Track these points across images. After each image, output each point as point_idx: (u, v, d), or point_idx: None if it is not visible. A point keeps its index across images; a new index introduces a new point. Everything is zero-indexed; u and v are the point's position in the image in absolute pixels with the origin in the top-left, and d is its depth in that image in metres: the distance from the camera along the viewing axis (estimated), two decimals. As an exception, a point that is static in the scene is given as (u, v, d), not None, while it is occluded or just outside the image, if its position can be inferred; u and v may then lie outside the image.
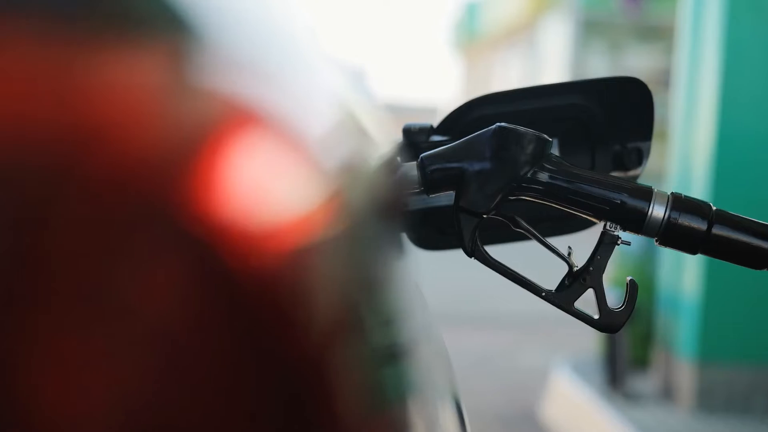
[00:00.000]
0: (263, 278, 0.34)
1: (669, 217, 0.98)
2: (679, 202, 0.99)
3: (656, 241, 1.00)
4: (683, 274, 4.04)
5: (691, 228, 0.99)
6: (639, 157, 1.14)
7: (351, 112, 0.70)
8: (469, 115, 1.16)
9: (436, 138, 1.14)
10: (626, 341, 4.16)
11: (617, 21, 16.98)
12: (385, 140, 0.89)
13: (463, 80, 29.85)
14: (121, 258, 0.32)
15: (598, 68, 17.38)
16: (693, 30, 4.23)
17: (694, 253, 1.00)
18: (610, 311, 1.01)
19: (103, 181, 0.32)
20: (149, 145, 0.33)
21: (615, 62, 17.41)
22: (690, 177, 4.10)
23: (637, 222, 0.99)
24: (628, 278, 1.02)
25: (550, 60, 19.30)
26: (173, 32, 0.38)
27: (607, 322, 1.01)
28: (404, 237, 0.94)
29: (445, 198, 1.17)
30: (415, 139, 1.13)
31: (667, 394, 4.11)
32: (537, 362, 5.47)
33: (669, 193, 0.99)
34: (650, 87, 1.11)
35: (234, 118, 0.36)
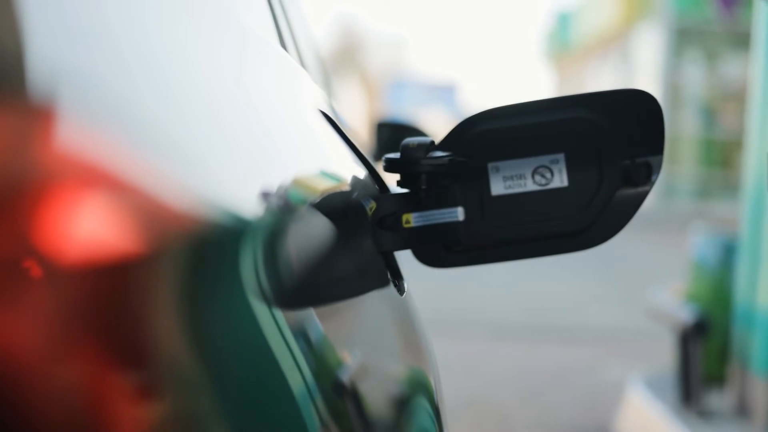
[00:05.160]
0: None
1: None
2: None
3: None
4: (759, 289, 3.92)
5: None
6: (648, 172, 1.11)
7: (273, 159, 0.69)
8: (471, 131, 1.15)
9: (436, 154, 1.13)
10: (700, 357, 4.05)
11: (712, 28, 16.61)
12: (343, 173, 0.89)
13: (556, 90, 29.57)
14: None
15: (693, 76, 17.03)
16: (768, 37, 4.13)
17: None
18: None
19: None
20: None
21: (710, 70, 17.04)
22: (764, 186, 3.99)
23: None
24: None
25: (643, 69, 19.00)
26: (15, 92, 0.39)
27: None
28: (373, 267, 0.94)
29: (449, 215, 1.16)
30: (413, 155, 1.13)
31: (742, 412, 3.99)
32: (617, 377, 5.38)
33: None
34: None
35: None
